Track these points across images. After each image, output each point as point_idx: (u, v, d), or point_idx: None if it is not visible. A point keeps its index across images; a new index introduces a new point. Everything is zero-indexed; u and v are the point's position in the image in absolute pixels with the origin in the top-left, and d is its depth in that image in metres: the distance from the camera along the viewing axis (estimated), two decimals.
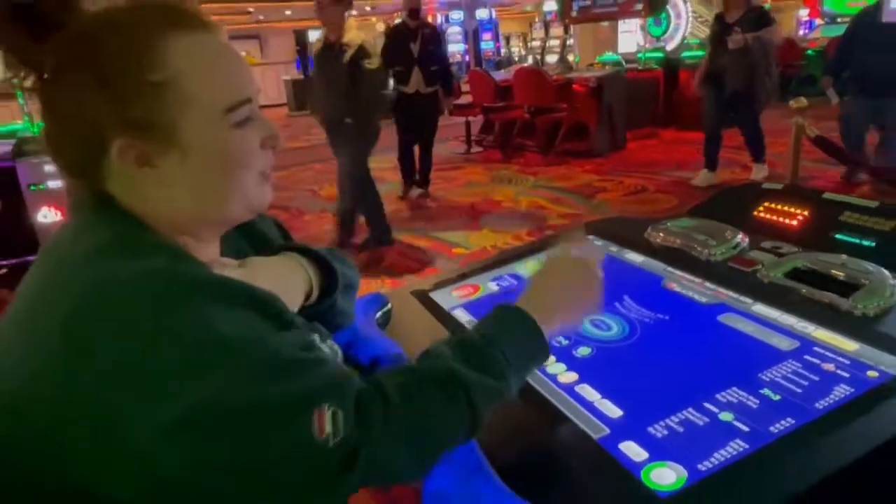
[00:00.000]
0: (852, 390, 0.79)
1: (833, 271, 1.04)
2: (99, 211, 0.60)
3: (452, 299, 1.19)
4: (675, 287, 1.11)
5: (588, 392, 0.86)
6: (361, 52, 3.32)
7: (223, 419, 0.50)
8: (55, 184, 2.81)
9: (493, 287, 1.23)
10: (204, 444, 0.50)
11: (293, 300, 0.73)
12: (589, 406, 0.83)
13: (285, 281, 0.70)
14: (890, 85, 3.80)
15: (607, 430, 0.78)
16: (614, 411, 0.82)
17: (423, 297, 1.21)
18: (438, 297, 1.21)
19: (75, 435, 0.50)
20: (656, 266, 1.20)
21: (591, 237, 1.37)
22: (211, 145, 0.60)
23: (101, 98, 0.56)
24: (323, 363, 0.58)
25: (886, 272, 1.01)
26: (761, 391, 0.81)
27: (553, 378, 0.90)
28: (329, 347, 0.75)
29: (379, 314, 1.13)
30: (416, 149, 4.94)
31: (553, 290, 0.74)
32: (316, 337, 0.72)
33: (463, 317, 1.12)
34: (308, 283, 0.75)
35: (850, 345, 0.88)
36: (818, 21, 10.56)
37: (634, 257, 1.25)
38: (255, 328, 0.56)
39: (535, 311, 0.70)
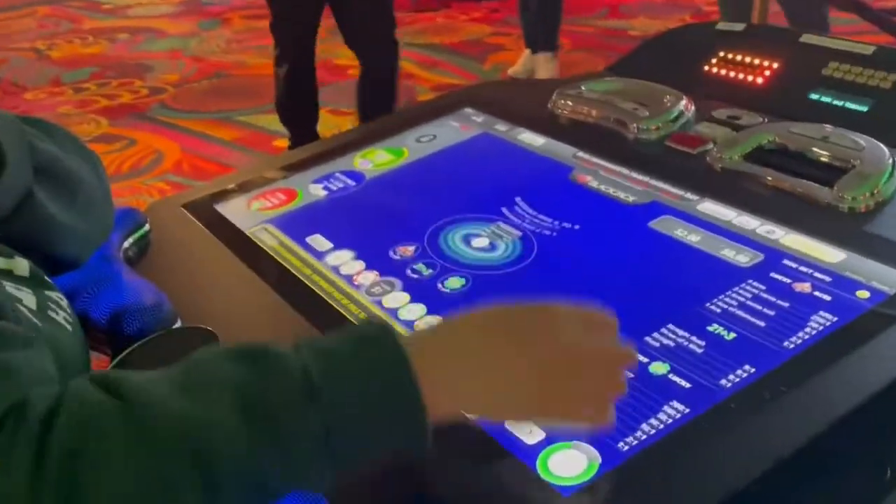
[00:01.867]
0: (835, 319, 0.82)
1: (812, 149, 1.06)
2: None
3: (251, 213, 1.17)
4: (590, 181, 1.13)
5: None
6: None
7: None
8: None
9: (318, 192, 1.21)
10: None
11: None
12: None
13: None
14: None
15: None
16: None
17: (205, 212, 1.17)
18: (229, 210, 1.18)
19: None
20: (563, 151, 1.21)
21: (468, 110, 1.37)
22: None
23: None
24: None
25: (884, 148, 1.04)
26: (709, 328, 0.83)
27: (408, 326, 0.89)
28: (61, 313, 0.71)
29: (129, 241, 1.09)
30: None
31: (493, 345, 0.61)
32: (25, 295, 0.66)
33: (269, 240, 1.09)
34: None
35: (832, 254, 0.91)
36: None
37: (531, 139, 1.26)
38: None
39: (435, 360, 0.58)
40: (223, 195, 1.21)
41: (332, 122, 3.88)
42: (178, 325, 0.90)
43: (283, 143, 3.65)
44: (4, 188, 0.70)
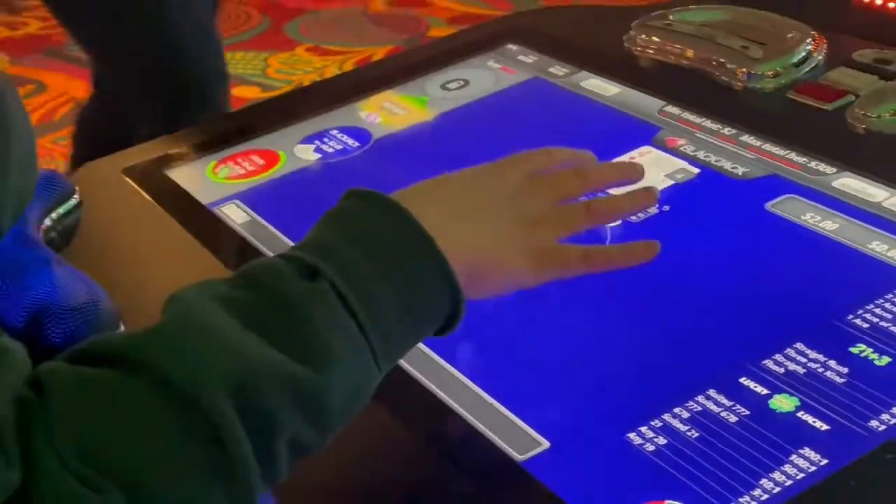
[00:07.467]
0: None
1: None
2: None
3: (216, 183, 1.19)
4: (683, 145, 1.13)
5: (497, 367, 0.88)
6: None
7: None
8: None
9: (309, 155, 1.23)
10: None
11: None
12: (505, 395, 0.84)
13: None
14: None
15: (545, 445, 0.79)
16: (561, 401, 0.84)
17: (153, 181, 1.19)
18: (186, 178, 1.20)
19: None
20: (645, 104, 1.22)
21: (512, 47, 1.38)
22: None
23: None
24: None
25: None
26: (853, 350, 0.83)
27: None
28: None
29: (52, 218, 1.08)
30: None
31: (493, 196, 0.78)
32: None
33: (238, 217, 1.11)
34: None
35: None
36: None
37: (600, 87, 1.27)
38: None
39: (433, 214, 0.71)
40: (178, 158, 1.23)
41: (316, 62, 3.90)
42: (120, 329, 0.90)
43: (251, 91, 3.67)
44: None
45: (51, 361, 0.59)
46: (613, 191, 0.88)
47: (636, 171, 0.86)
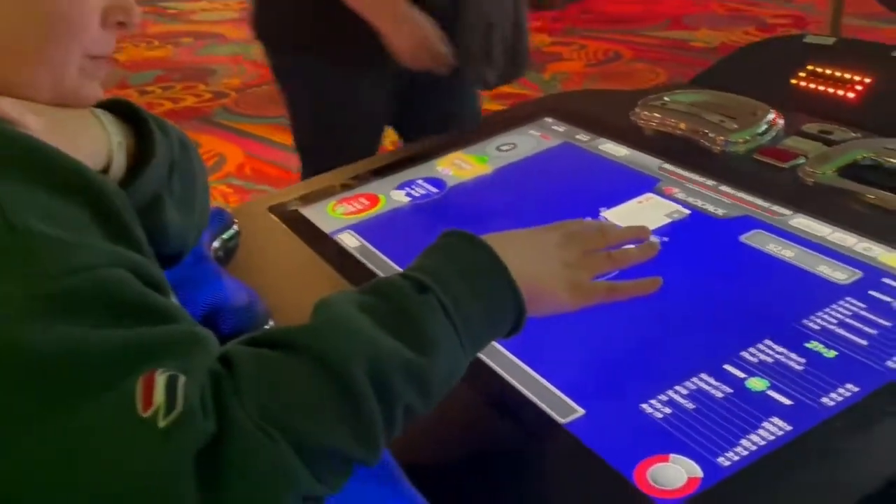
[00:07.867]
0: None
1: None
2: None
3: (334, 217, 1.19)
4: (677, 193, 1.13)
5: (546, 355, 0.86)
6: None
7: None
8: None
9: (401, 198, 1.22)
10: None
11: None
12: (552, 375, 0.83)
13: (68, 137, 0.66)
14: None
15: (581, 412, 0.78)
16: (593, 380, 0.83)
17: (289, 215, 1.20)
18: (313, 214, 1.20)
19: None
20: (648, 163, 1.21)
21: (548, 120, 1.38)
22: None
23: None
24: (169, 305, 0.59)
25: None
26: (808, 345, 0.82)
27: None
28: None
29: (218, 242, 1.10)
30: None
31: (546, 247, 0.80)
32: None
33: (351, 242, 1.12)
34: (106, 149, 0.71)
35: None
36: None
37: (614, 150, 1.26)
38: (79, 230, 0.57)
39: (507, 255, 0.73)
40: (307, 199, 1.24)
41: (390, 133, 3.89)
42: (270, 324, 0.91)
43: None
44: (146, 180, 0.72)
45: (233, 345, 0.60)
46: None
47: (644, 232, 0.89)
